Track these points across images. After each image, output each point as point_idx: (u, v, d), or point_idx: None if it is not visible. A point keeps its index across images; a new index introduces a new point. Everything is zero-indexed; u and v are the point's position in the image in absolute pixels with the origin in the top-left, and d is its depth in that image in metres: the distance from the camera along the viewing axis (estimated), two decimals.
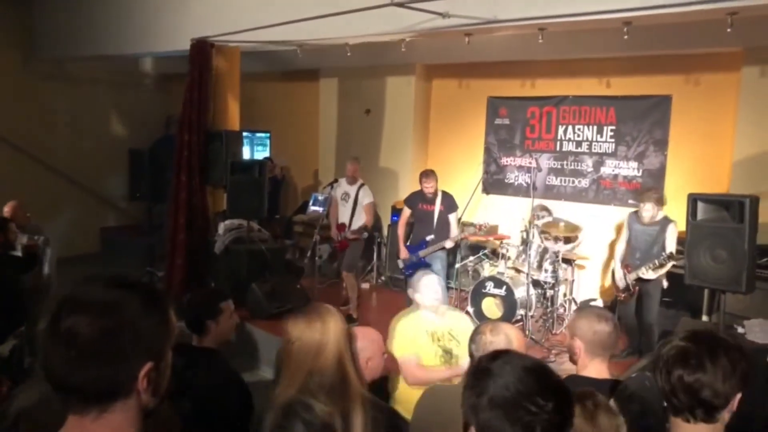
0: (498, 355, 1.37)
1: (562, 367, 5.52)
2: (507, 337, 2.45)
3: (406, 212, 6.34)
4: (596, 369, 2.39)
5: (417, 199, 6.21)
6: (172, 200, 6.95)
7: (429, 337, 3.57)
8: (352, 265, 6.68)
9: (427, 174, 6.08)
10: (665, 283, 5.55)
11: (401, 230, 6.38)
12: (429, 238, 6.07)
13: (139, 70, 10.44)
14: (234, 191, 6.70)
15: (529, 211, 6.51)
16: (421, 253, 6.10)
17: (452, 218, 6.15)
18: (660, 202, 5.66)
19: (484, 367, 1.33)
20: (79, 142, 9.97)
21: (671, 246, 5.49)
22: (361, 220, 6.55)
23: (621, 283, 5.72)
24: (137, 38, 7.63)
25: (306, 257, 6.81)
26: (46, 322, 1.12)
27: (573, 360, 2.48)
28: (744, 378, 1.58)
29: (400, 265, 6.33)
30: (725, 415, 1.59)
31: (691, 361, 1.58)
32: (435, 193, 6.08)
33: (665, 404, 1.65)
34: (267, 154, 10.03)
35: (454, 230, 6.15)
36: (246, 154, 9.43)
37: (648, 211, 5.57)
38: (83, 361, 1.11)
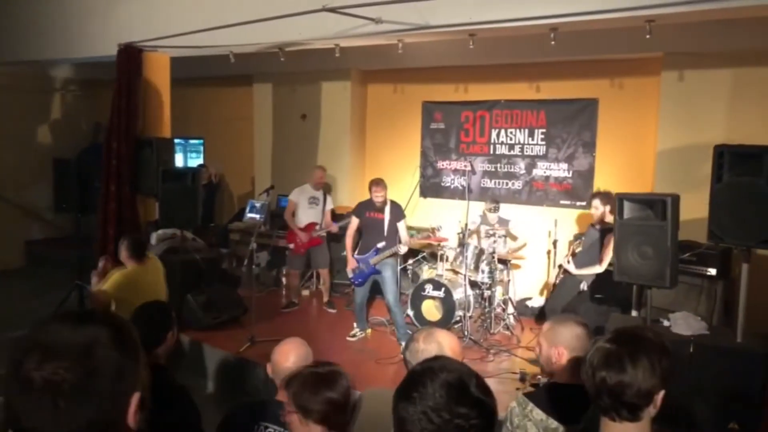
0: (426, 366, 1.38)
1: (501, 366, 5.64)
2: (439, 345, 2.38)
3: (354, 222, 6.19)
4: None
5: (365, 208, 6.13)
6: (101, 211, 6.70)
7: None
8: (328, 261, 7.46)
9: (378, 182, 6.02)
10: (584, 285, 5.85)
11: (349, 241, 6.23)
12: (380, 245, 5.98)
13: (64, 77, 10.03)
14: (166, 200, 6.50)
15: (466, 214, 6.60)
16: (372, 260, 5.98)
17: (401, 225, 6.08)
18: (607, 201, 5.91)
19: (415, 379, 1.34)
20: None
21: (608, 253, 5.69)
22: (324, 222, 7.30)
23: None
24: (61, 43, 7.33)
25: (243, 266, 6.69)
26: (11, 378, 1.03)
27: (550, 369, 2.46)
28: (666, 376, 1.62)
29: (349, 275, 6.20)
30: (650, 411, 1.64)
31: (612, 363, 1.61)
32: (384, 202, 6.04)
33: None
34: (201, 161, 9.81)
35: (404, 234, 6.09)
36: (179, 161, 9.20)
37: (597, 209, 5.93)
38: (75, 408, 1.03)
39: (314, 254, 7.33)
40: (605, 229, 5.85)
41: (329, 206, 7.40)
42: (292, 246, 7.24)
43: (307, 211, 7.24)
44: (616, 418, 1.63)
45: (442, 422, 1.26)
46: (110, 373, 1.08)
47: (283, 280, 7.87)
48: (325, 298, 7.44)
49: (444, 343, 2.40)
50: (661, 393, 1.63)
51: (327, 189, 7.54)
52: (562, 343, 2.44)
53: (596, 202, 5.98)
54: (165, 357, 2.94)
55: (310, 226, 7.20)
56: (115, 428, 1.10)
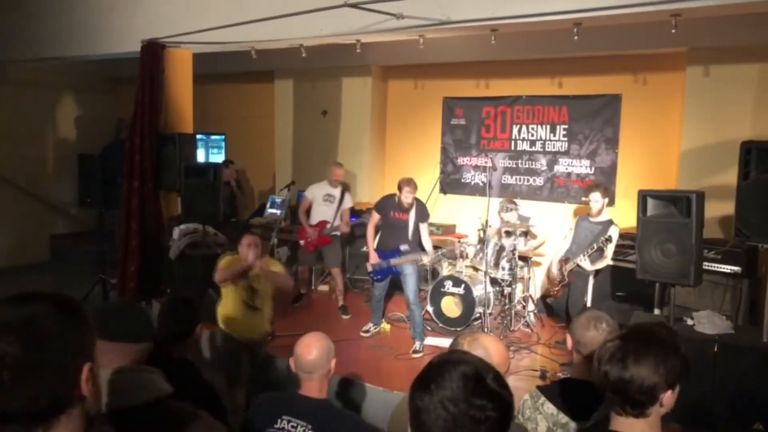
0: (443, 359, 1.40)
1: (521, 363, 5.62)
2: (486, 350, 2.23)
3: (375, 217, 6.12)
4: None
5: (389, 206, 6.01)
6: (124, 205, 6.77)
7: None
8: (339, 260, 7.22)
9: (410, 182, 5.86)
10: (592, 280, 5.85)
11: (370, 236, 6.16)
12: (403, 248, 5.89)
13: (88, 73, 10.16)
14: (188, 195, 6.55)
15: (486, 211, 6.57)
16: (393, 261, 5.92)
17: (424, 228, 6.00)
18: (606, 193, 5.97)
19: (432, 371, 1.36)
20: (25, 148, 9.66)
21: (610, 247, 5.83)
22: (338, 220, 7.05)
23: (556, 277, 6.12)
24: (84, 40, 7.42)
25: None
26: None
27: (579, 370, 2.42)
28: (673, 375, 1.63)
29: (369, 269, 6.16)
30: (660, 410, 1.66)
31: (615, 359, 1.65)
32: (412, 204, 5.90)
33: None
34: (222, 156, 9.87)
35: (426, 239, 6.01)
36: (201, 157, 9.27)
37: (596, 201, 5.90)
38: (19, 381, 1.06)
39: (325, 253, 7.12)
40: (606, 222, 5.93)
41: (347, 204, 7.17)
42: (302, 242, 7.11)
43: (321, 208, 7.05)
44: (622, 412, 1.67)
45: (458, 412, 1.27)
46: (55, 344, 1.10)
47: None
48: (340, 302, 7.14)
49: (491, 349, 2.27)
50: (668, 393, 1.64)
51: (345, 187, 7.31)
52: (579, 338, 2.42)
53: (596, 195, 5.95)
54: (191, 351, 2.95)
55: (320, 224, 7.02)
56: (67, 399, 1.12)
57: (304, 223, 7.05)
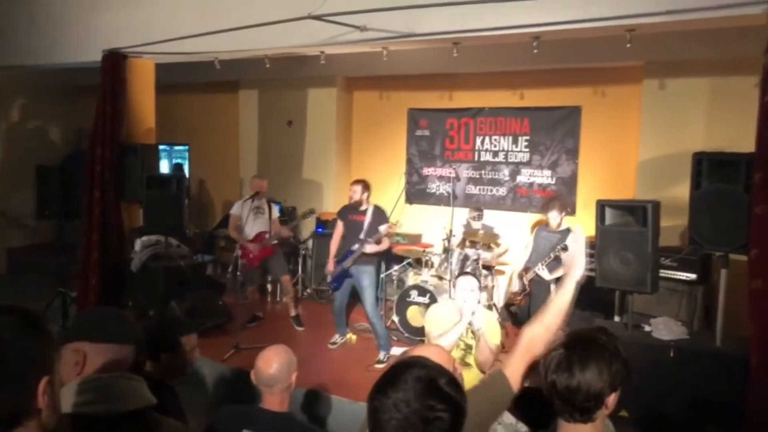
0: (404, 363, 1.46)
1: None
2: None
3: (340, 225, 6.16)
4: None
5: (347, 211, 6.08)
6: (84, 217, 6.65)
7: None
8: (286, 268, 7.16)
9: (355, 181, 6.04)
10: (553, 287, 5.94)
11: (333, 245, 6.17)
12: (354, 247, 5.90)
13: (46, 82, 9.96)
14: (150, 206, 6.46)
15: (451, 221, 6.63)
16: (345, 263, 5.91)
17: (382, 229, 5.99)
18: (563, 207, 6.12)
19: (391, 374, 1.42)
20: None
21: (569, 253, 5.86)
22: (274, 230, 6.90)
23: (517, 286, 6.22)
24: (44, 49, 7.28)
25: (228, 272, 6.65)
26: None
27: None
28: (617, 379, 1.67)
29: (328, 279, 6.20)
30: (604, 412, 1.69)
31: (562, 367, 1.67)
32: (360, 202, 5.94)
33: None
34: (186, 167, 9.75)
35: (379, 236, 6.01)
36: (164, 167, 9.15)
37: (555, 218, 6.01)
38: None
39: (270, 264, 6.93)
40: (565, 232, 6.04)
41: (275, 215, 7.03)
42: (244, 261, 6.63)
43: (253, 222, 6.70)
44: (570, 419, 1.70)
45: (409, 412, 1.33)
46: (15, 356, 1.11)
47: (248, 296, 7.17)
48: (292, 313, 6.95)
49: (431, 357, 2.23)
50: (613, 395, 1.68)
51: (270, 198, 7.12)
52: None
53: (553, 214, 6.08)
54: (167, 377, 2.83)
55: (259, 236, 6.76)
56: (25, 410, 1.13)
57: (241, 240, 6.66)
